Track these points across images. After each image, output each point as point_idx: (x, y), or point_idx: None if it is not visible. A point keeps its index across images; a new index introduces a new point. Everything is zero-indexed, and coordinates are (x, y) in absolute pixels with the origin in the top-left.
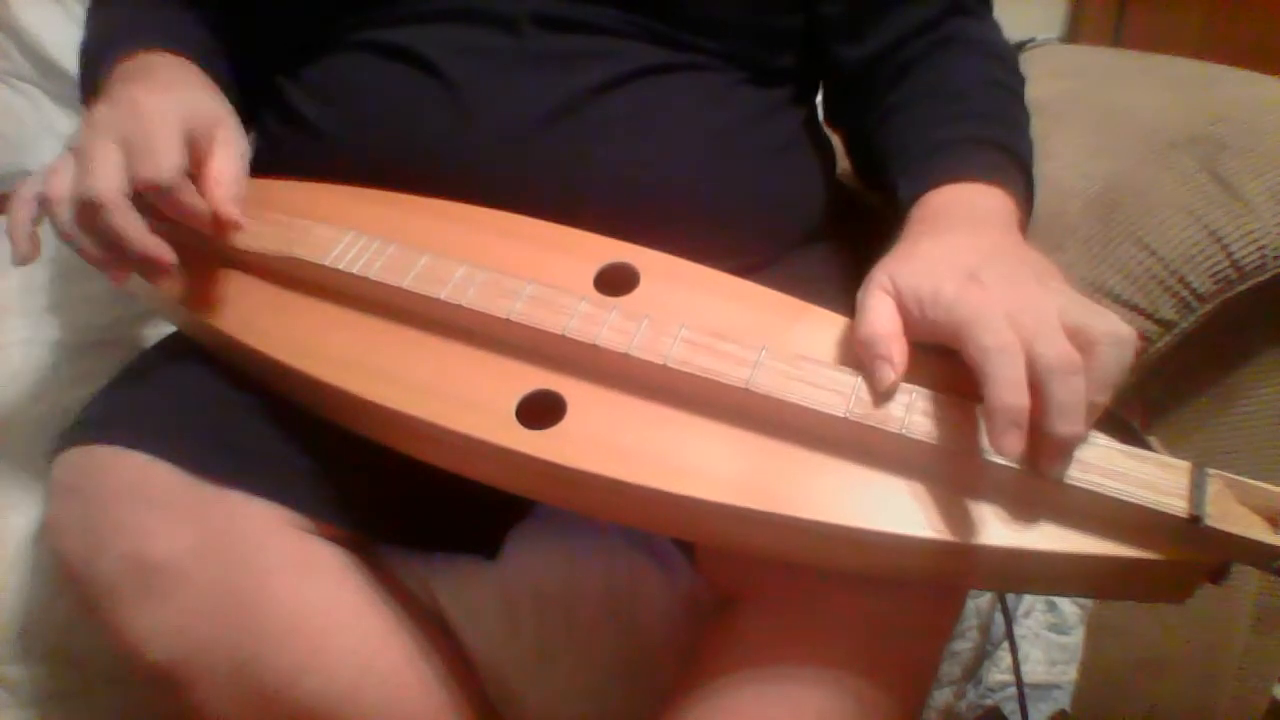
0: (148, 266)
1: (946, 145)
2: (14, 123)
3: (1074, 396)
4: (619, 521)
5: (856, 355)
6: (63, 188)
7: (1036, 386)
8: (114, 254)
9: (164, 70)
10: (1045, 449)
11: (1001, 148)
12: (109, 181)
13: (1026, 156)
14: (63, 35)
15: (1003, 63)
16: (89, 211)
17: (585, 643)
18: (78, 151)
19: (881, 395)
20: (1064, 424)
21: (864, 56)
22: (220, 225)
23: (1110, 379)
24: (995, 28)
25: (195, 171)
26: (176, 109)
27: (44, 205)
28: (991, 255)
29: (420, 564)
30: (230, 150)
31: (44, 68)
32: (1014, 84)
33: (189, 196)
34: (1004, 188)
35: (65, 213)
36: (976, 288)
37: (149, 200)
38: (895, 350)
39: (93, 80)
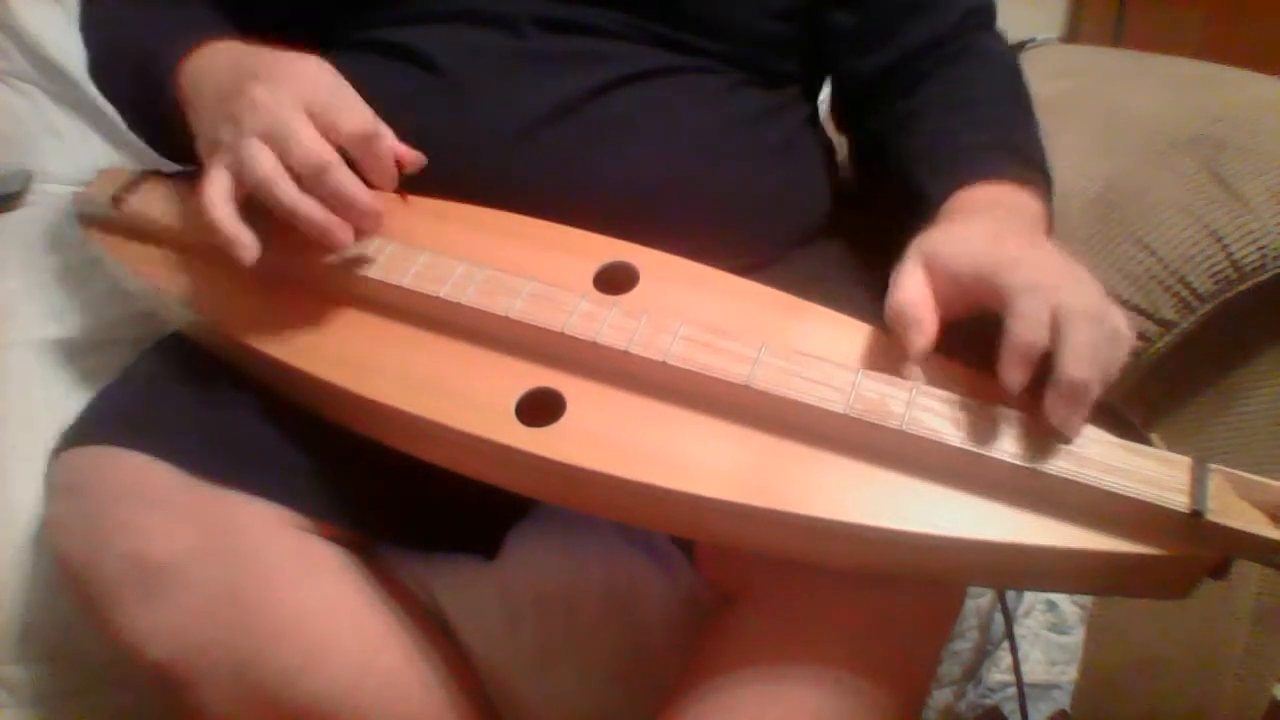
0: (367, 221)
1: (975, 149)
2: (14, 123)
3: (1091, 341)
4: (619, 519)
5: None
6: (272, 165)
7: (1056, 330)
8: (336, 217)
9: (263, 49)
10: (1057, 397)
11: (1022, 152)
12: (324, 144)
13: (1045, 163)
14: (63, 35)
15: (1014, 74)
16: (313, 177)
17: (585, 643)
18: (263, 133)
19: (914, 361)
20: (1078, 368)
21: (878, 67)
22: (406, 166)
23: (1102, 364)
24: (1001, 38)
25: None
26: (326, 68)
27: (259, 187)
28: (1016, 230)
29: (420, 564)
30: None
31: (44, 68)
32: (1025, 94)
33: (390, 139)
34: (1030, 189)
35: (287, 187)
36: (1000, 243)
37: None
38: (925, 316)
39: (149, 82)
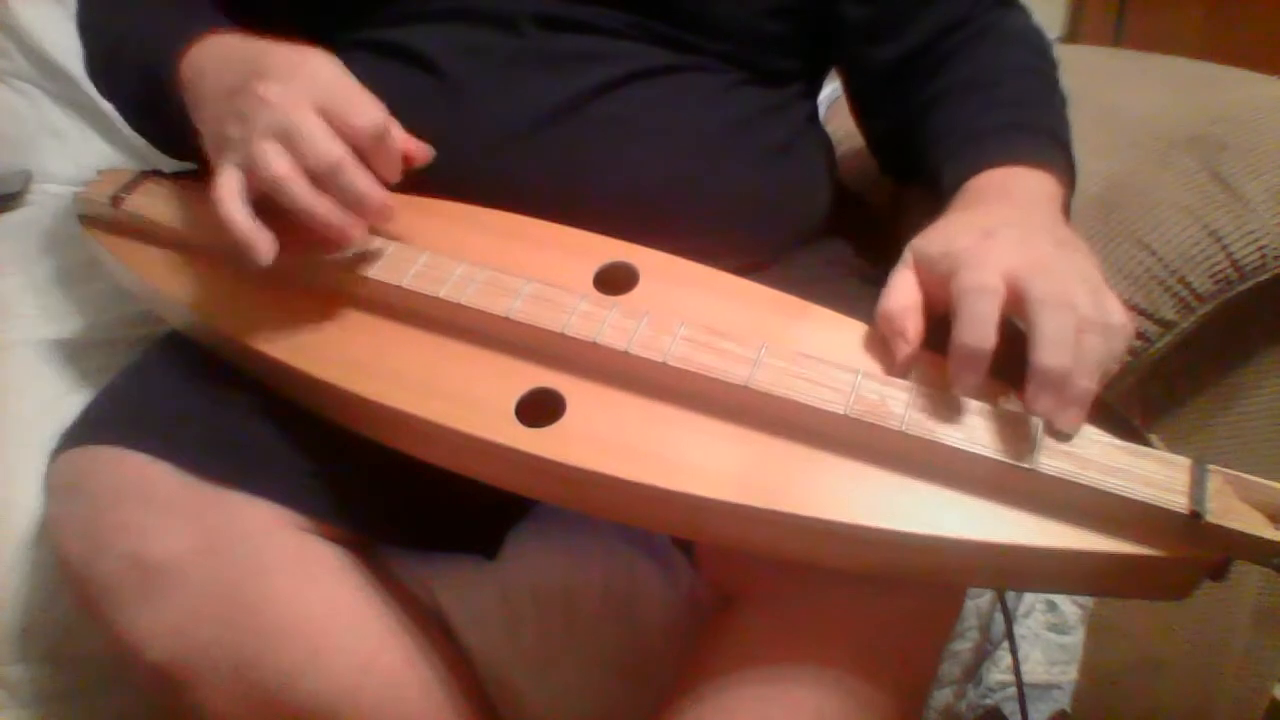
0: (380, 216)
1: (990, 131)
2: (14, 123)
3: (1063, 331)
4: (619, 520)
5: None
6: (287, 165)
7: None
8: (350, 215)
9: (267, 43)
10: (1039, 392)
11: (1042, 130)
12: (337, 144)
13: (1066, 138)
14: (63, 35)
15: (1037, 50)
16: (328, 177)
17: (585, 643)
18: (275, 132)
19: (899, 369)
20: (1050, 356)
21: (898, 56)
22: (415, 161)
23: (1093, 362)
24: (1024, 14)
25: None
26: (334, 63)
27: (273, 186)
28: (1012, 220)
29: (420, 564)
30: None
31: (44, 68)
32: (1049, 69)
33: (400, 133)
34: (1046, 169)
35: (301, 187)
36: (986, 239)
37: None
38: (910, 325)
39: (149, 77)
